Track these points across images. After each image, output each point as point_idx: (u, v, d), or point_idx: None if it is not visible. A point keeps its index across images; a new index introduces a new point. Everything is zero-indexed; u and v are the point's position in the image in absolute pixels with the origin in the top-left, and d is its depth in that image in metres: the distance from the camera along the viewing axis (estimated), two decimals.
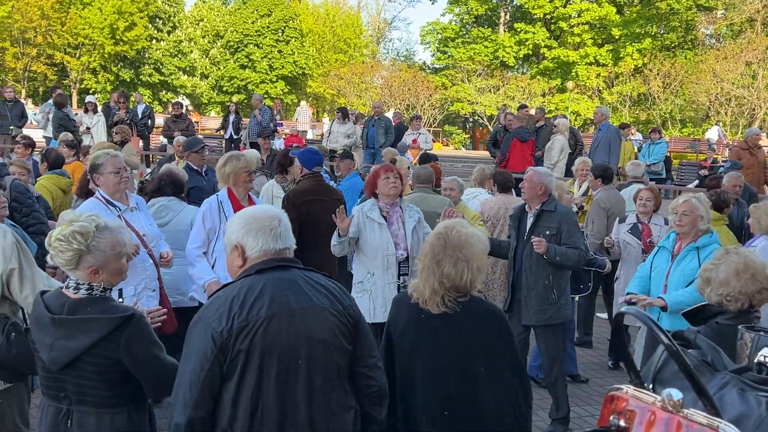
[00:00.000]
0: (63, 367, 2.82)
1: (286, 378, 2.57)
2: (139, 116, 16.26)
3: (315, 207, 6.26)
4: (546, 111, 16.81)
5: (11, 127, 14.33)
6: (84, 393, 2.84)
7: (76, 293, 2.90)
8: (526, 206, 5.78)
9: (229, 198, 5.46)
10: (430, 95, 37.95)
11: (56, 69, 40.31)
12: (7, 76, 39.20)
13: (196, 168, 8.15)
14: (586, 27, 39.95)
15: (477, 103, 38.17)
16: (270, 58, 44.07)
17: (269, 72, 44.07)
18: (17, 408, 3.73)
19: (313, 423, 2.61)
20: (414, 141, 14.53)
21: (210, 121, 31.46)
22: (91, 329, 2.80)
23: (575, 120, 36.14)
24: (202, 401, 2.53)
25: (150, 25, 42.19)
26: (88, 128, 14.47)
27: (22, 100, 17.08)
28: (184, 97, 42.71)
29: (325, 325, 2.66)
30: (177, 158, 11.34)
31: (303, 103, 34.10)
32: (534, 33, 40.55)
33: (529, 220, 5.67)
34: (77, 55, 40.12)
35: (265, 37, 44.24)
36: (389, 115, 18.91)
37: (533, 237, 5.48)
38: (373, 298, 5.36)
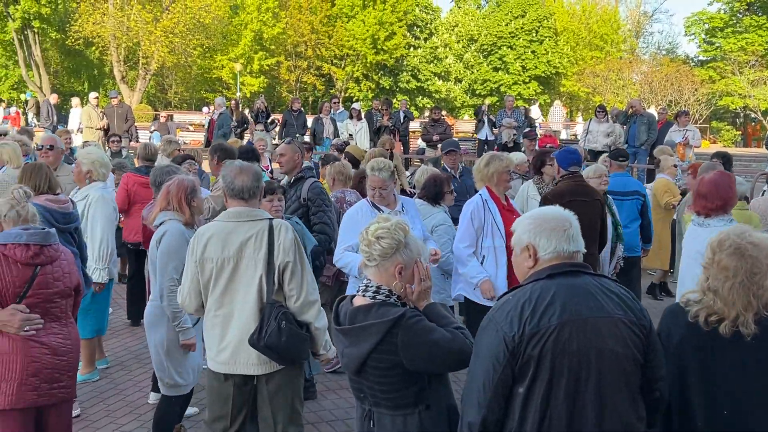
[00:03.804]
0: (355, 372, 2.98)
1: (576, 387, 2.53)
2: (401, 121, 17.04)
3: (574, 208, 6.01)
4: None
5: (297, 135, 15.89)
6: (376, 396, 2.96)
7: (364, 296, 2.99)
8: None
9: (491, 197, 5.64)
10: (695, 90, 35.59)
11: (324, 79, 43.47)
12: (282, 88, 43.02)
13: (449, 169, 8.38)
14: None
15: (749, 96, 35.15)
16: (523, 59, 43.96)
17: (522, 73, 43.97)
18: (292, 389, 3.95)
19: None
20: (685, 139, 13.83)
21: (463, 125, 32.03)
22: (368, 335, 2.89)
23: None
24: (495, 403, 2.56)
25: (408, 34, 43.99)
26: (351, 135, 15.59)
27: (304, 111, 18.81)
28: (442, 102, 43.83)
29: (618, 336, 2.56)
30: None
31: (556, 102, 33.62)
32: None
33: None
34: (342, 65, 42.93)
35: (519, 38, 44.21)
36: (652, 111, 18.05)
37: None
38: None
